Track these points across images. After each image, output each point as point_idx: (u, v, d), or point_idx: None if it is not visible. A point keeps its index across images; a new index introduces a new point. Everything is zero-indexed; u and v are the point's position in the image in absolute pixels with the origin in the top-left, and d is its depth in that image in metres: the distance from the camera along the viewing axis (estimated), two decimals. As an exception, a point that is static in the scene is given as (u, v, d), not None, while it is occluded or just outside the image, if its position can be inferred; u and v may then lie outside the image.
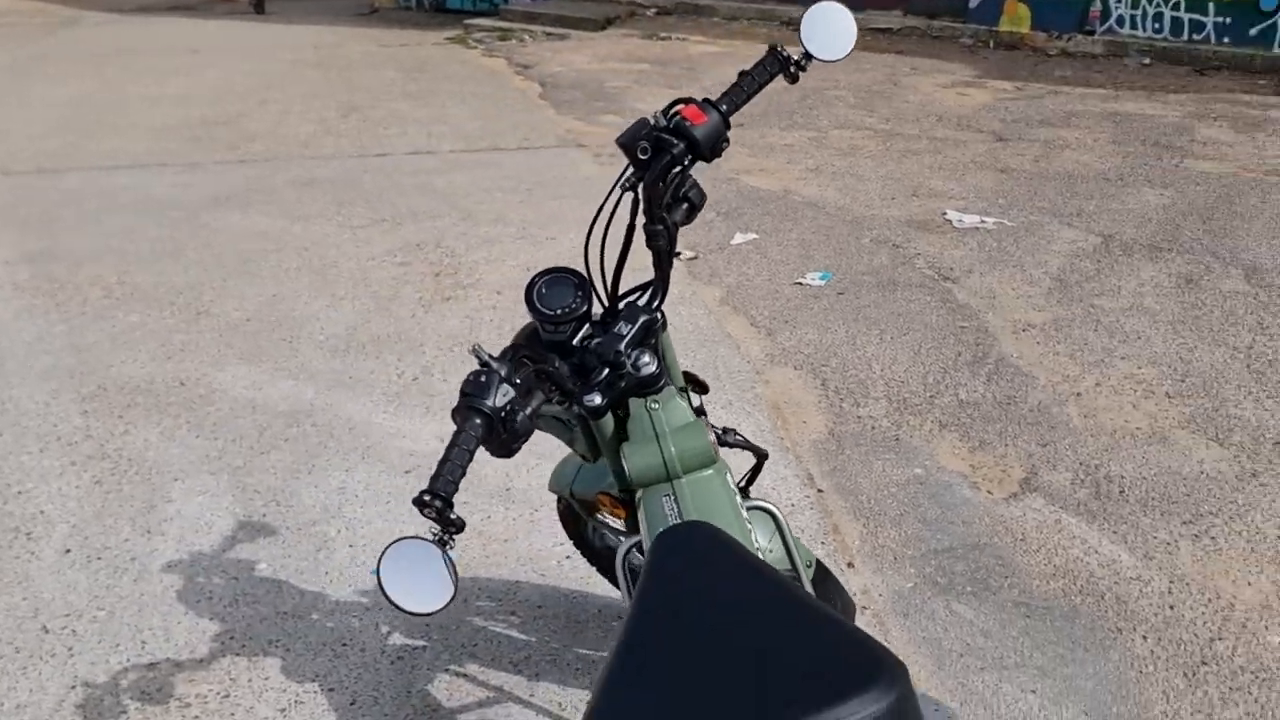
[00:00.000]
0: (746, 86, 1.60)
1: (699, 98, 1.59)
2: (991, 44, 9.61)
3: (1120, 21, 9.22)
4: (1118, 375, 3.53)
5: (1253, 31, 8.64)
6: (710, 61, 8.91)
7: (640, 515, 1.60)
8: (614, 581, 2.35)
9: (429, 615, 1.36)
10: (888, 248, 4.75)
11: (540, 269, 1.64)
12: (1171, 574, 2.55)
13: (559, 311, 1.60)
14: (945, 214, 5.17)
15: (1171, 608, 2.44)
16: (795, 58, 1.61)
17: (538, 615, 2.45)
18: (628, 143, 1.54)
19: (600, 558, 2.30)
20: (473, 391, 1.33)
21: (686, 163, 1.54)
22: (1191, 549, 2.64)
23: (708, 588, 1.18)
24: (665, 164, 1.52)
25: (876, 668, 0.98)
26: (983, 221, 5.05)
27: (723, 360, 3.71)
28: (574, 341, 1.60)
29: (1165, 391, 3.41)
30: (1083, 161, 5.94)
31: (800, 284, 4.39)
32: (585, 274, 1.69)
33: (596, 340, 1.59)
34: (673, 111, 1.57)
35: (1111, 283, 4.27)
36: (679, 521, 1.49)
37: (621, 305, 1.67)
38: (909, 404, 3.38)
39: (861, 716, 0.94)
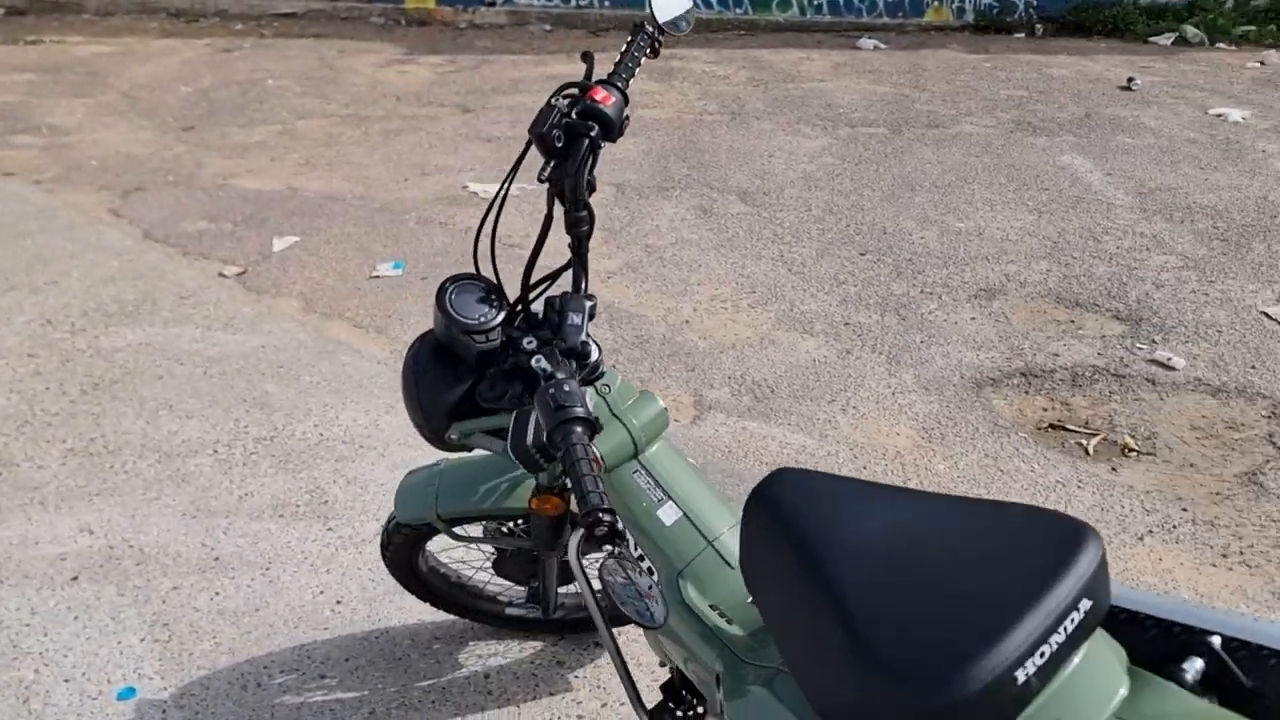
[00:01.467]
0: (630, 64, 1.60)
1: (590, 80, 1.56)
2: (403, 21, 9.81)
3: (517, -18, 9.96)
4: (705, 298, 4.00)
5: (625, -5, 9.88)
6: (112, 64, 7.90)
7: (613, 496, 1.56)
8: (447, 608, 2.20)
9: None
10: (438, 227, 4.76)
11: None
12: (846, 443, 3.04)
13: (479, 320, 1.50)
14: (466, 187, 5.29)
15: (864, 468, 2.92)
16: (650, 30, 1.64)
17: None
18: (544, 133, 1.47)
19: (432, 587, 2.14)
20: (566, 403, 1.21)
21: (601, 144, 1.52)
22: (847, 420, 3.16)
23: (858, 517, 1.22)
24: (586, 149, 1.48)
25: (1077, 530, 1.13)
26: (505, 188, 5.26)
27: (352, 369, 3.50)
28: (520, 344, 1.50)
29: (748, 304, 3.95)
30: (557, 122, 6.40)
31: (378, 277, 4.24)
32: (479, 272, 1.60)
33: (529, 340, 1.51)
34: (567, 94, 1.53)
35: (649, 224, 4.76)
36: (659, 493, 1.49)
37: (534, 298, 1.61)
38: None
39: (1087, 572, 1.09)
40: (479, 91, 7.24)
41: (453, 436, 1.58)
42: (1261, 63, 7.91)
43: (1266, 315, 3.69)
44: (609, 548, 1.14)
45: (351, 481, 2.88)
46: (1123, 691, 1.09)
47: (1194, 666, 1.13)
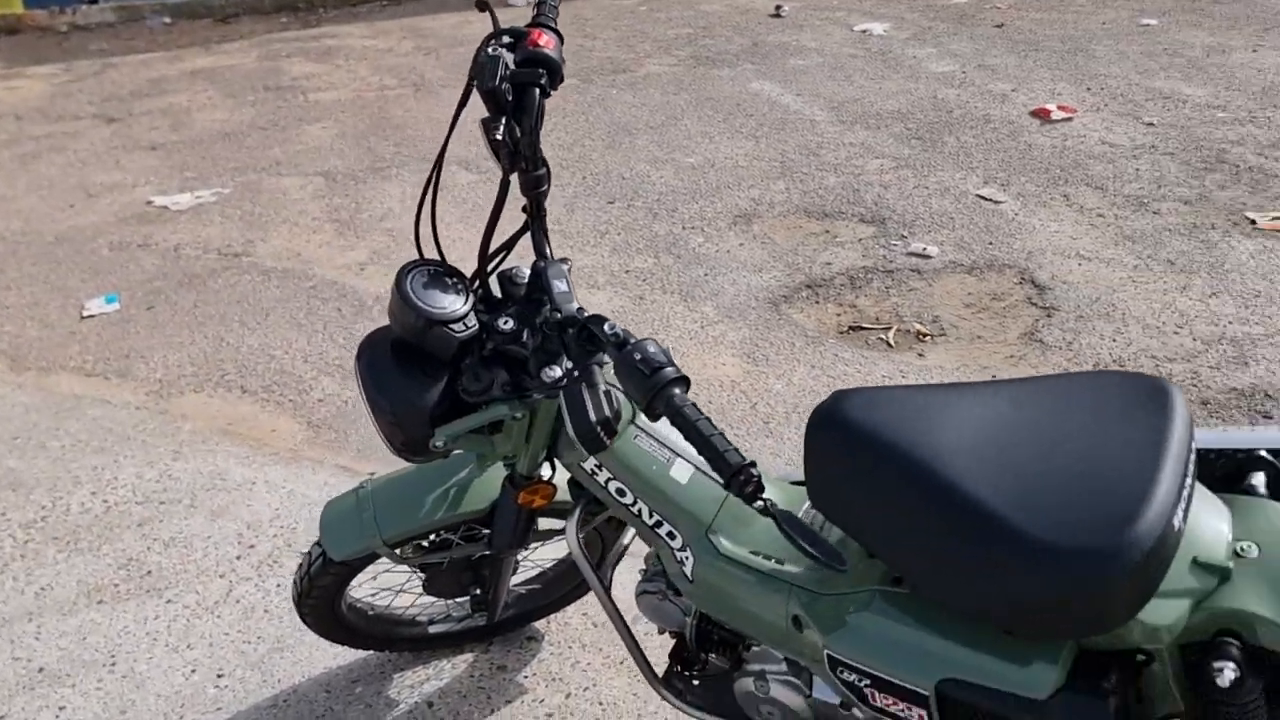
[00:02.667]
0: (554, 3, 1.45)
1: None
2: (-12, 31, 8.48)
3: (121, -16, 8.91)
4: (475, 272, 3.83)
5: (250, -24, 9.12)
6: None
7: (617, 468, 1.44)
8: (365, 645, 1.97)
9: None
10: (139, 250, 4.20)
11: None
12: (680, 384, 3.04)
13: (452, 308, 1.33)
14: (151, 201, 4.71)
15: (709, 402, 2.94)
16: None
17: None
18: (495, 88, 1.30)
19: (351, 627, 1.90)
20: (660, 364, 1.07)
21: (550, 93, 1.37)
22: (670, 362, 3.16)
23: (944, 421, 1.20)
24: (540, 99, 1.34)
25: (1157, 385, 1.19)
26: (197, 197, 4.74)
27: (108, 422, 3.02)
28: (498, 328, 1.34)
29: (521, 268, 3.83)
30: (220, 119, 5.82)
31: (91, 316, 3.68)
32: (423, 255, 1.42)
33: (504, 320, 1.35)
34: (500, 42, 1.36)
35: (380, 208, 4.47)
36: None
37: (493, 270, 1.44)
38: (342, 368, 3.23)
39: (1186, 418, 1.15)
40: (117, 98, 6.42)
41: (438, 444, 1.38)
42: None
43: (981, 197, 4.11)
44: (760, 503, 1.04)
45: (169, 543, 2.48)
46: (1229, 514, 1.17)
47: (1259, 480, 1.23)
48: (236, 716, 1.98)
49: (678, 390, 1.08)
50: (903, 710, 1.24)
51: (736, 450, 1.03)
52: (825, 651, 1.28)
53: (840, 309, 3.41)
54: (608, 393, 1.22)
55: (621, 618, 1.57)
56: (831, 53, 6.37)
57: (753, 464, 1.03)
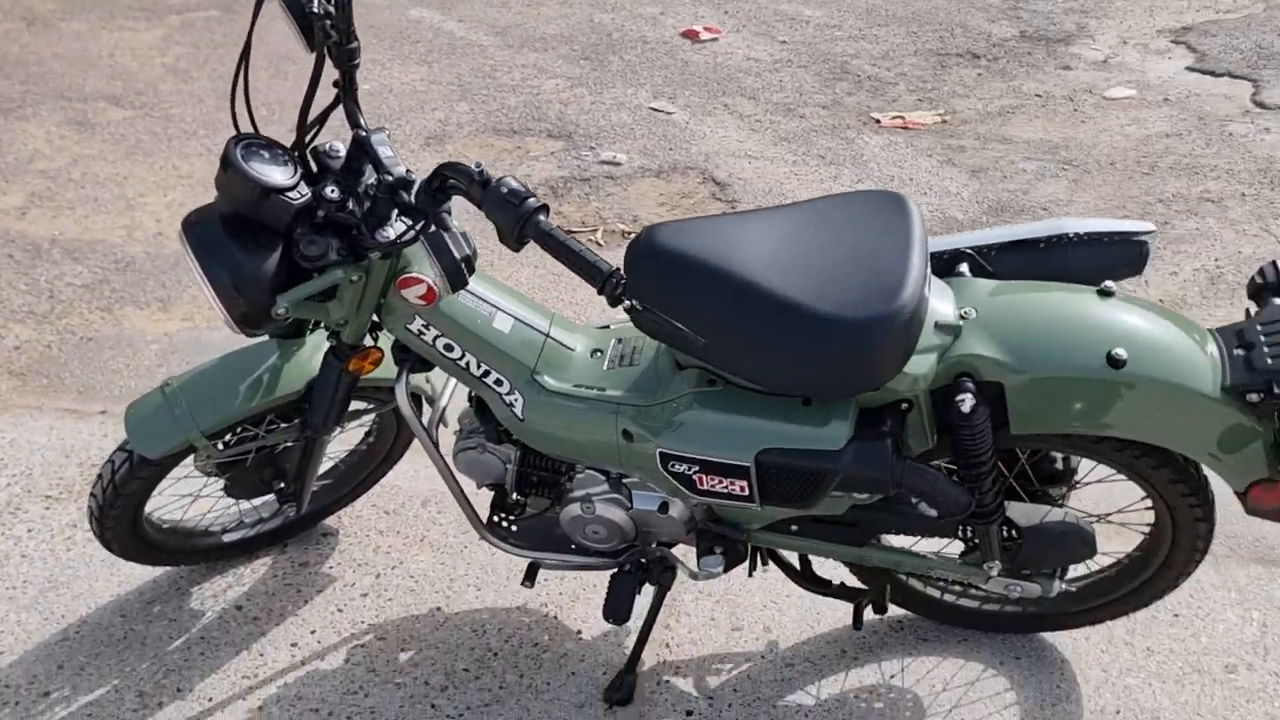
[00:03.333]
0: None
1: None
2: None
3: None
4: (156, 208, 3.61)
5: None
6: None
7: (445, 325, 1.56)
8: (161, 562, 1.94)
9: None
10: None
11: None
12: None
13: (287, 178, 1.39)
14: None
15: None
16: None
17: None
18: None
19: (152, 543, 1.87)
20: (525, 195, 1.21)
21: None
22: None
23: (745, 240, 1.42)
24: None
25: (897, 197, 1.49)
26: None
27: None
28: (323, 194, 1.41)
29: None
30: None
31: None
32: (240, 130, 1.44)
33: (331, 189, 1.43)
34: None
35: (24, 150, 4.05)
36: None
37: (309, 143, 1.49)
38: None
39: (921, 221, 1.46)
40: None
41: (279, 311, 1.42)
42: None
43: (654, 109, 4.46)
44: (627, 303, 1.21)
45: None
46: (952, 292, 1.51)
47: (964, 268, 1.58)
48: (25, 657, 1.87)
49: (542, 217, 1.23)
50: (726, 485, 1.48)
51: (604, 260, 1.20)
52: (658, 450, 1.50)
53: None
54: (463, 234, 1.33)
55: (450, 469, 1.70)
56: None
57: (618, 269, 1.20)
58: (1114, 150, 4.14)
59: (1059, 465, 1.68)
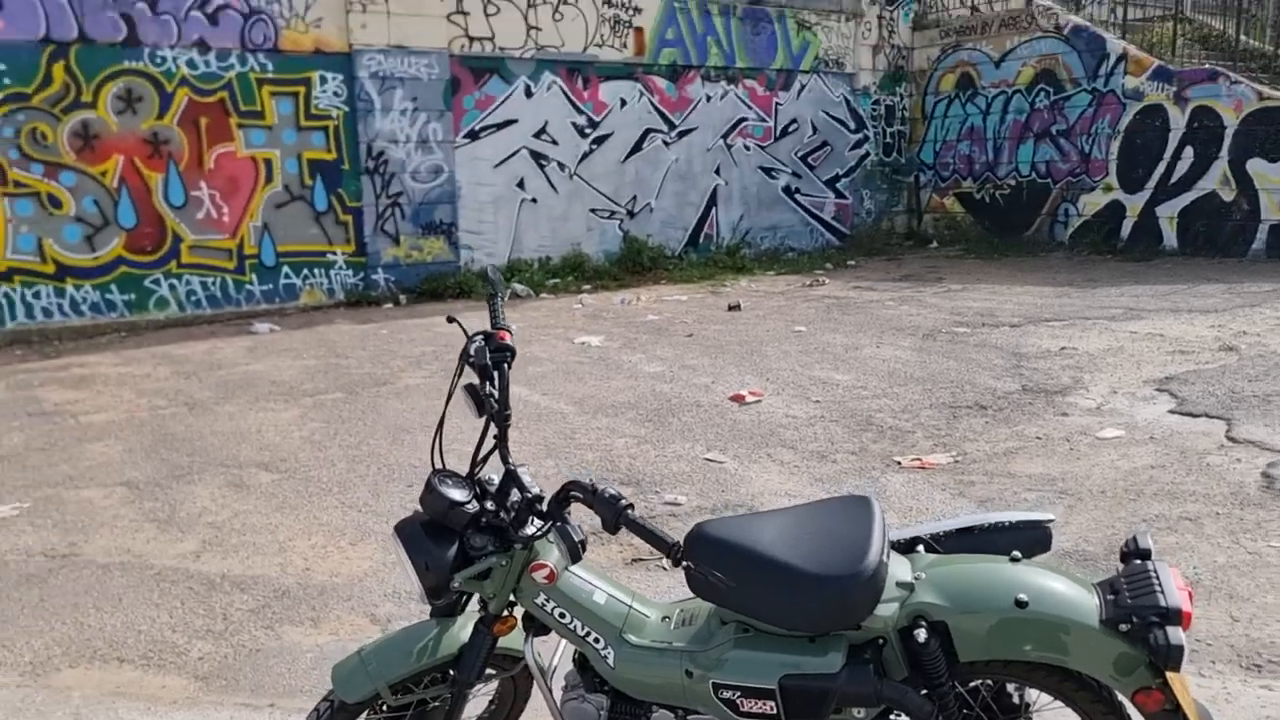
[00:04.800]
0: (500, 312, 2.39)
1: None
2: None
3: None
4: (311, 546, 4.42)
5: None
6: None
7: (561, 598, 2.25)
8: None
9: None
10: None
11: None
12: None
13: (466, 497, 2.17)
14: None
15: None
16: (492, 288, 2.45)
17: None
18: (486, 363, 2.21)
19: None
20: (621, 499, 1.96)
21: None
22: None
23: (764, 530, 2.13)
24: (507, 371, 2.25)
25: (866, 499, 2.21)
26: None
27: (-6, 699, 3.29)
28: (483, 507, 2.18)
29: (349, 541, 4.47)
30: None
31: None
32: (441, 465, 2.24)
33: (489, 504, 2.20)
34: (479, 335, 2.28)
35: (194, 507, 4.95)
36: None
37: (477, 471, 2.28)
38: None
39: (881, 515, 2.17)
40: None
41: (455, 584, 2.14)
42: (581, 303, 10.39)
43: (708, 459, 5.31)
44: (685, 565, 1.91)
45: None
46: (908, 562, 2.18)
47: (921, 549, 2.26)
48: None
49: (630, 511, 1.98)
50: (760, 706, 2.08)
51: (671, 536, 1.92)
52: (710, 683, 2.12)
53: (621, 547, 4.33)
54: (578, 526, 2.07)
55: (562, 714, 2.31)
56: (562, 361, 7.66)
57: (679, 542, 1.92)
58: (1105, 481, 4.82)
59: (1014, 698, 2.25)
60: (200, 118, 10.04)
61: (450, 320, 2.40)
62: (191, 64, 9.94)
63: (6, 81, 9.16)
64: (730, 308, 9.94)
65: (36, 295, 9.50)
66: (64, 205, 9.54)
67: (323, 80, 10.60)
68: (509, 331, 2.34)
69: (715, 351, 7.87)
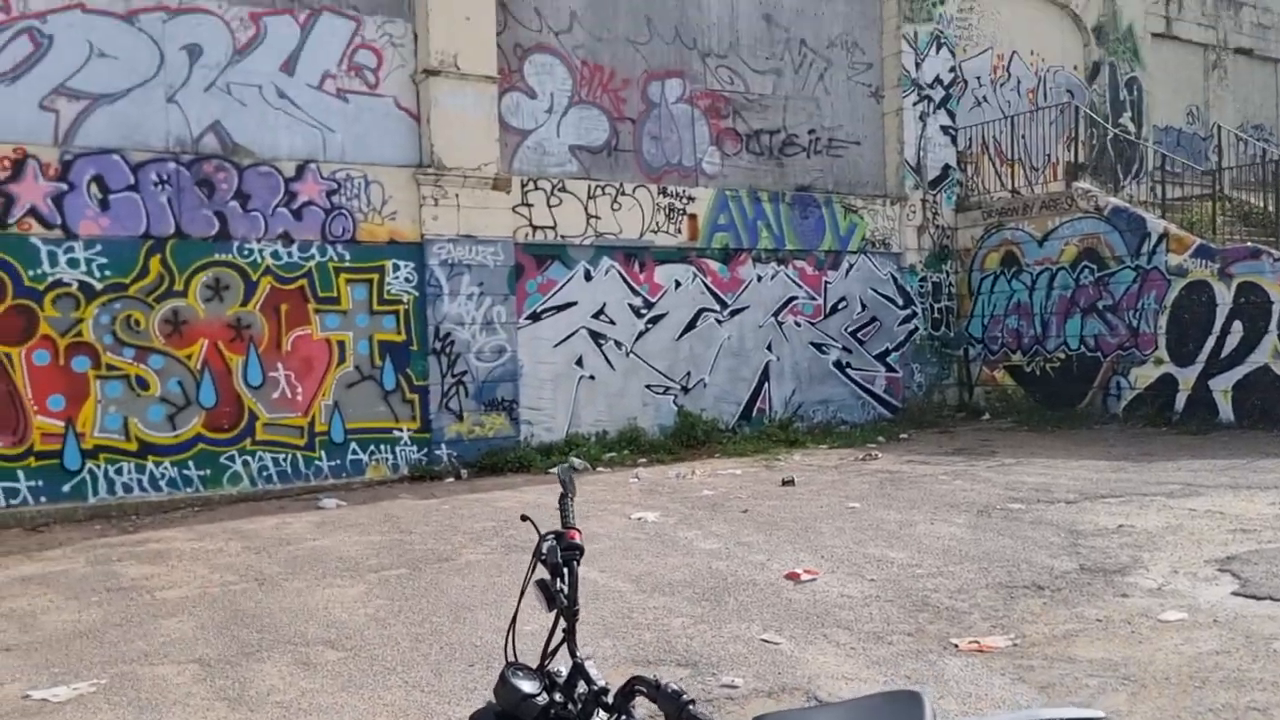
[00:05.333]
0: (570, 512, 2.61)
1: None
2: None
3: (-72, 500, 9.27)
4: (371, 729, 4.52)
5: (65, 488, 9.79)
6: None
7: None
8: None
9: None
10: (39, 736, 4.57)
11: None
12: None
13: (538, 689, 2.34)
14: (28, 695, 5.10)
15: None
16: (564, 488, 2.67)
17: None
18: (557, 561, 2.42)
19: None
20: (688, 698, 2.11)
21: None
22: None
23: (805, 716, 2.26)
24: (576, 568, 2.46)
25: (916, 693, 2.33)
26: (75, 689, 5.17)
27: None
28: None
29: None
30: (69, 619, 6.30)
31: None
32: (516, 658, 2.41)
33: (558, 695, 2.36)
34: (551, 535, 2.49)
35: (262, 686, 5.11)
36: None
37: (548, 664, 2.45)
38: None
39: (926, 704, 2.29)
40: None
41: (527, 773, 2.28)
42: (637, 477, 10.59)
43: (764, 640, 5.36)
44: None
45: None
46: None
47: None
48: None
49: (691, 706, 2.13)
50: None
51: None
52: None
53: (680, 731, 4.38)
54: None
55: None
56: (619, 536, 7.80)
57: None
58: (1168, 667, 4.79)
59: None
60: (281, 304, 10.69)
61: (524, 519, 2.62)
62: (276, 255, 10.68)
63: (108, 273, 9.91)
64: (784, 482, 10.07)
65: (119, 471, 9.95)
66: (151, 386, 10.11)
67: (395, 267, 11.28)
68: (578, 531, 2.55)
69: (770, 527, 7.97)
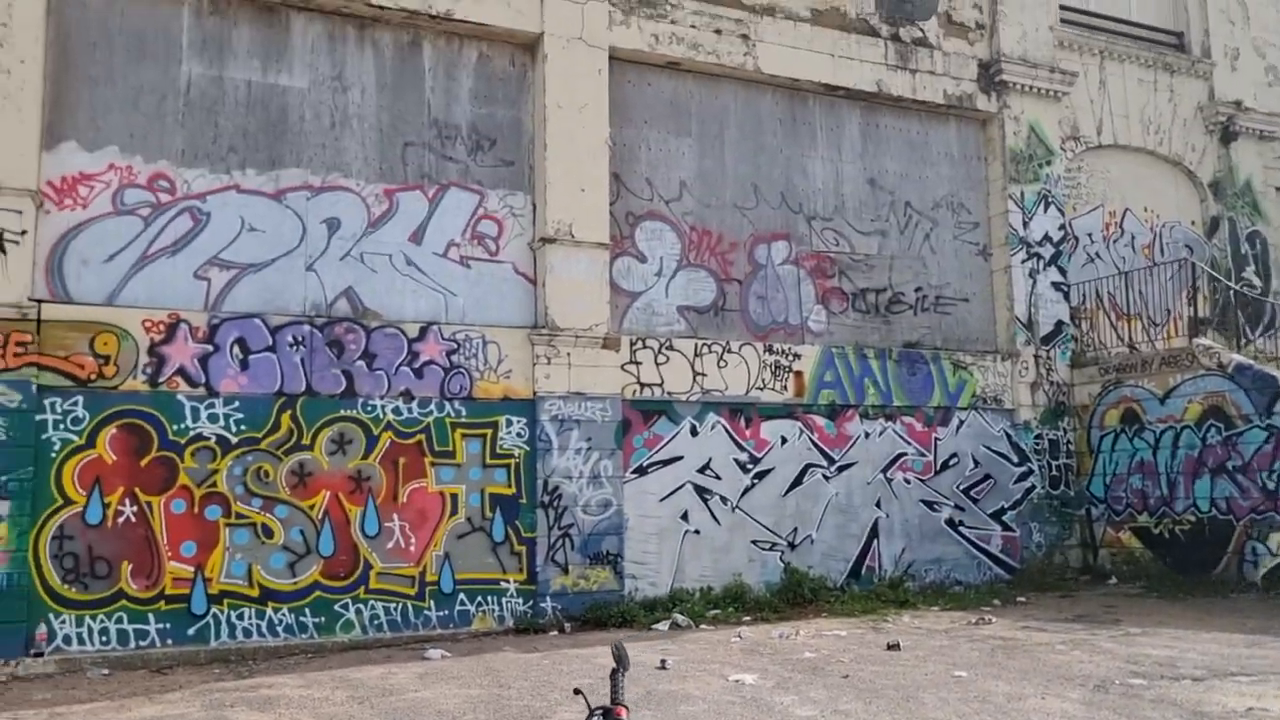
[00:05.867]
0: (620, 691, 2.76)
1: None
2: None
3: (68, 640, 9.85)
4: None
5: (190, 631, 10.28)
6: None
7: None
8: None
9: None
10: None
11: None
12: None
13: None
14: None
15: None
16: (617, 665, 2.84)
17: None
18: None
19: None
20: None
21: None
22: None
23: None
24: None
25: None
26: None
27: None
28: None
29: None
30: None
31: None
32: None
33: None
34: (599, 710, 2.64)
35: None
36: None
37: None
38: None
39: None
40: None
41: None
42: (740, 636, 10.48)
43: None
44: None
45: None
46: None
47: None
48: None
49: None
50: None
51: None
52: None
53: None
54: None
55: None
56: (714, 700, 7.73)
57: None
58: None
59: None
60: (400, 457, 11.23)
61: (576, 693, 2.78)
62: (397, 411, 11.28)
63: (243, 428, 10.64)
64: (889, 646, 9.81)
65: (240, 616, 10.41)
66: (275, 535, 10.65)
67: (508, 423, 11.74)
68: (626, 708, 2.69)
69: (870, 695, 7.78)
